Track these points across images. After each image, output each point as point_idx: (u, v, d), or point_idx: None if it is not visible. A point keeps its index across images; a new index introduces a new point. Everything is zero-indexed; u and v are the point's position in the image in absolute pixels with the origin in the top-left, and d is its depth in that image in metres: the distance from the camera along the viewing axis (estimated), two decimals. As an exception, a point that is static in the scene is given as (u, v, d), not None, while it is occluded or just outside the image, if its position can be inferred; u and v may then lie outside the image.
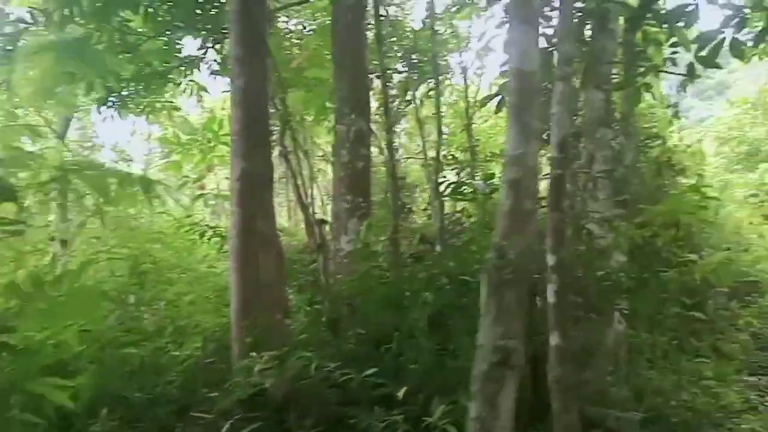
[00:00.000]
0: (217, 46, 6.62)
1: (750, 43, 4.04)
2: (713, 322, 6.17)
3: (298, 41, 7.68)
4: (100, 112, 6.85)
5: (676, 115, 6.25)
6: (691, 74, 4.10)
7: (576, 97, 4.20)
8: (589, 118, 4.50)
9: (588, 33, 4.67)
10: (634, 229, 5.31)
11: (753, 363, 5.98)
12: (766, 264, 8.02)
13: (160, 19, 5.87)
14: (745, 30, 4.11)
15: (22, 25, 5.40)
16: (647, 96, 8.03)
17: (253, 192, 4.02)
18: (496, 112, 5.06)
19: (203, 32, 6.26)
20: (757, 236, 9.43)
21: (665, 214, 4.74)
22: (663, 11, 4.15)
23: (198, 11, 6.01)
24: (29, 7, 5.59)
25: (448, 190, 5.68)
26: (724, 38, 4.06)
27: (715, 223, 7.93)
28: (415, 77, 7.18)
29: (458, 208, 6.23)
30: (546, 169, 3.28)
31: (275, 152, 5.41)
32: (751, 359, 5.99)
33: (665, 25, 4.01)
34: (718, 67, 4.00)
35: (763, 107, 15.78)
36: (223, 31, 6.06)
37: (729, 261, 7.39)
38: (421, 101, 7.69)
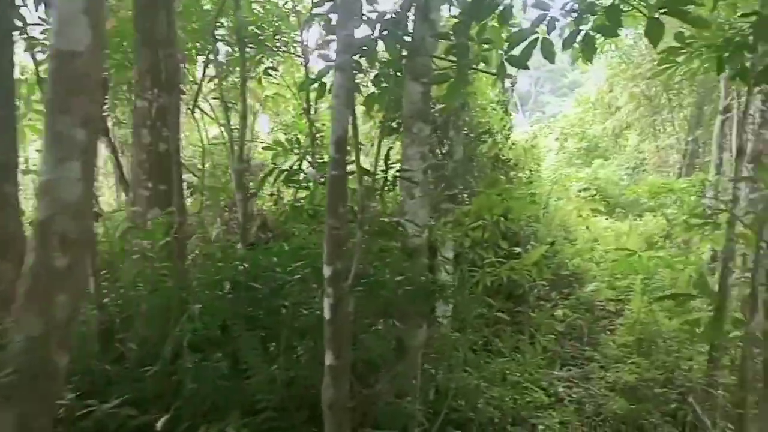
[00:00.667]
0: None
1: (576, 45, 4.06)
2: (530, 316, 6.39)
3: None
4: None
5: (506, 111, 6.34)
6: (500, 74, 4.01)
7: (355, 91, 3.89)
8: (407, 111, 4.27)
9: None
10: (459, 225, 5.28)
11: (566, 353, 6.30)
12: (589, 255, 8.58)
13: None
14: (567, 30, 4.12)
15: None
16: (491, 90, 8.24)
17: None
18: (316, 99, 4.67)
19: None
20: (585, 228, 10.10)
21: (481, 209, 4.73)
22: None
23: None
24: None
25: (281, 177, 5.27)
26: (537, 38, 4.02)
27: (544, 217, 8.31)
28: (250, 53, 6.58)
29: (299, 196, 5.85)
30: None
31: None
32: (564, 350, 6.30)
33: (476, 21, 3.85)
34: (526, 67, 3.94)
35: (601, 106, 17.17)
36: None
37: (551, 254, 7.79)
38: (258, 79, 7.11)
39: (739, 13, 4.91)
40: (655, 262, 5.72)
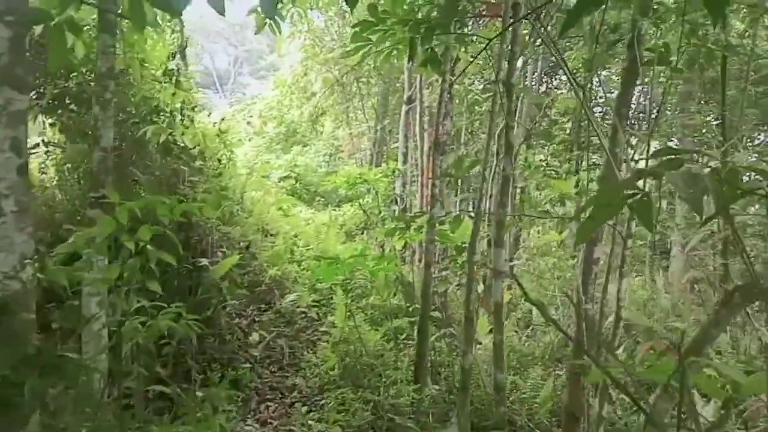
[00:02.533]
0: None
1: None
2: (221, 345, 5.17)
3: None
4: None
5: (178, 85, 4.90)
6: (136, 19, 2.59)
7: None
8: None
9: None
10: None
11: (265, 382, 5.28)
12: (290, 256, 7.75)
13: None
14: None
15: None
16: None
17: None
18: None
19: None
20: (285, 223, 9.28)
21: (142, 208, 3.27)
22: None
23: None
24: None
25: None
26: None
27: (238, 215, 7.13)
28: None
29: None
30: None
31: None
32: (263, 380, 5.26)
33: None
34: (178, 15, 2.66)
35: (298, 90, 16.76)
36: None
37: (248, 258, 6.68)
38: None
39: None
40: (355, 261, 5.08)
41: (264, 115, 17.45)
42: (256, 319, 5.93)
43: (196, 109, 6.33)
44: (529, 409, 4.70)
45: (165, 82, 5.30)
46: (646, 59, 3.57)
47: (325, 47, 13.66)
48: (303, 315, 6.51)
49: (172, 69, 5.20)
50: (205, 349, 5.19)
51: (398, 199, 9.51)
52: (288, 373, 5.36)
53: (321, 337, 6.21)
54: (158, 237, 3.05)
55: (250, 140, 17.09)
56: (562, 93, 11.02)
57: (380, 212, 9.19)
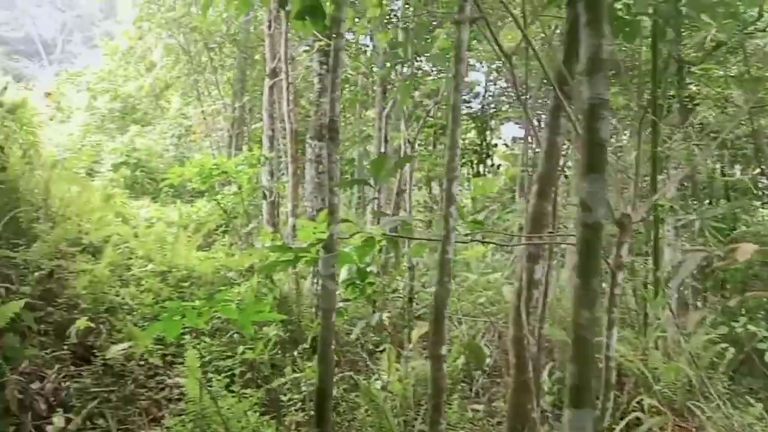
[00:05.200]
0: None
1: None
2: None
3: None
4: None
5: None
6: None
7: None
8: None
9: None
10: None
11: None
12: (125, 274, 5.78)
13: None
14: None
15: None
16: None
17: None
18: None
19: None
20: (119, 222, 7.13)
21: None
22: None
23: None
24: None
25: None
26: None
27: (38, 226, 5.03)
28: None
29: None
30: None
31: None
32: None
33: None
34: None
35: (134, 59, 14.04)
36: None
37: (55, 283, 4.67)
38: None
39: None
40: (214, 305, 3.43)
41: (93, 87, 14.47)
42: (63, 384, 4.01)
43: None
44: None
45: None
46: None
47: (164, 5, 11.27)
48: (142, 363, 4.69)
49: None
50: None
51: (267, 193, 7.83)
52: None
53: (170, 394, 4.49)
54: None
55: (79, 118, 14.08)
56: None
57: (245, 210, 7.45)
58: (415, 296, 4.30)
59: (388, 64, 5.86)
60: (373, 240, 2.83)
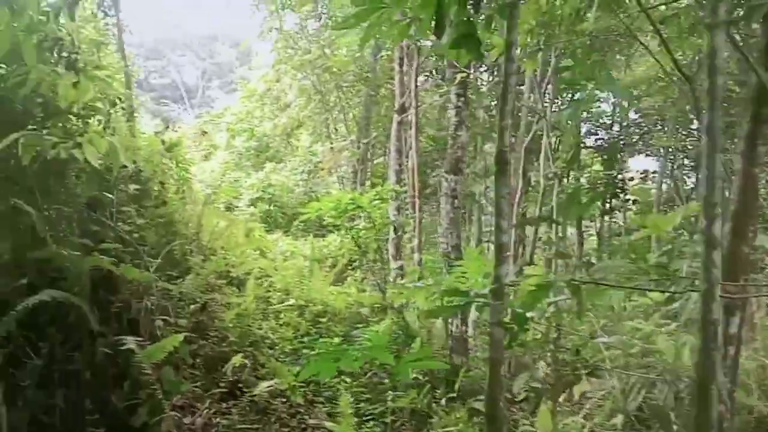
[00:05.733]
0: None
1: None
2: None
3: None
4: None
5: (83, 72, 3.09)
6: None
7: None
8: None
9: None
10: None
11: None
12: (264, 307, 5.89)
13: None
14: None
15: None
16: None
17: None
18: None
19: None
20: (257, 256, 7.37)
21: None
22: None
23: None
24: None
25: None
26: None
27: (190, 259, 5.27)
28: None
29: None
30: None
31: None
32: None
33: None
34: None
35: (270, 100, 14.93)
36: None
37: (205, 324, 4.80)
38: None
39: None
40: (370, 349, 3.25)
41: (232, 128, 15.58)
42: (214, 420, 4.05)
43: (122, 109, 4.47)
44: None
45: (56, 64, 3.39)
46: None
47: (300, 49, 11.87)
48: (284, 401, 4.66)
49: (61, 41, 3.32)
50: None
51: (396, 228, 7.75)
52: None
53: (312, 433, 4.39)
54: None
55: (219, 156, 15.20)
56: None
57: (377, 246, 7.41)
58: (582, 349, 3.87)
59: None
60: (546, 285, 2.52)
